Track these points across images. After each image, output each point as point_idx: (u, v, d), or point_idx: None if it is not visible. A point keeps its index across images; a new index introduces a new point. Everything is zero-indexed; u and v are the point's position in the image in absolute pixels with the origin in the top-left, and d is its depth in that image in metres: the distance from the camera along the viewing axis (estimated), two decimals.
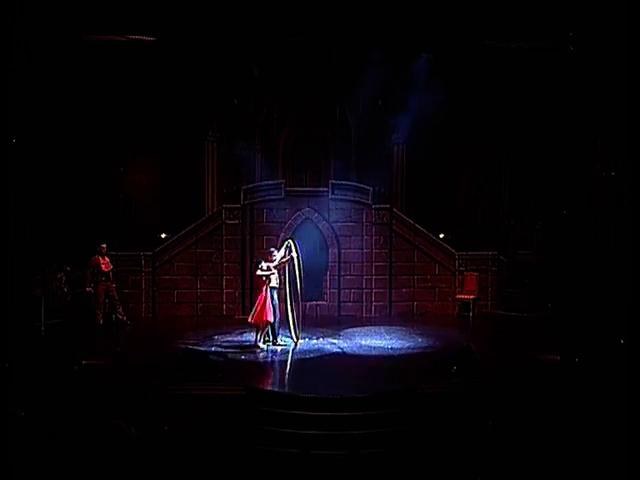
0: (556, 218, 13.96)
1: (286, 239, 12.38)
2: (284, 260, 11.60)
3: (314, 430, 8.04)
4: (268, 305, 11.26)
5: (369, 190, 15.36)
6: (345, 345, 11.80)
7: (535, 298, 14.59)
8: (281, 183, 15.44)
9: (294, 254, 11.68)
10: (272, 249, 12.06)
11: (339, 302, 15.18)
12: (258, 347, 11.33)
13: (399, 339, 12.37)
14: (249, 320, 11.46)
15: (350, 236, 15.34)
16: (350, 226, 15.35)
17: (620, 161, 10.80)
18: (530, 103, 14.69)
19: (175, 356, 9.85)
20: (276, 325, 11.64)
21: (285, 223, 15.14)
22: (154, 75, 14.71)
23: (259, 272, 11.43)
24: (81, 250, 13.71)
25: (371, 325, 13.83)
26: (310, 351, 11.21)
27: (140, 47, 13.13)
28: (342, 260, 15.19)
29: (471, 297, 14.77)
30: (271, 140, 16.71)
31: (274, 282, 11.51)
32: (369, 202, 15.32)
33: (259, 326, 11.37)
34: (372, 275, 15.30)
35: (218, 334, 12.64)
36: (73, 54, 12.54)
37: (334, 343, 11.94)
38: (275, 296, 11.53)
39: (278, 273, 11.62)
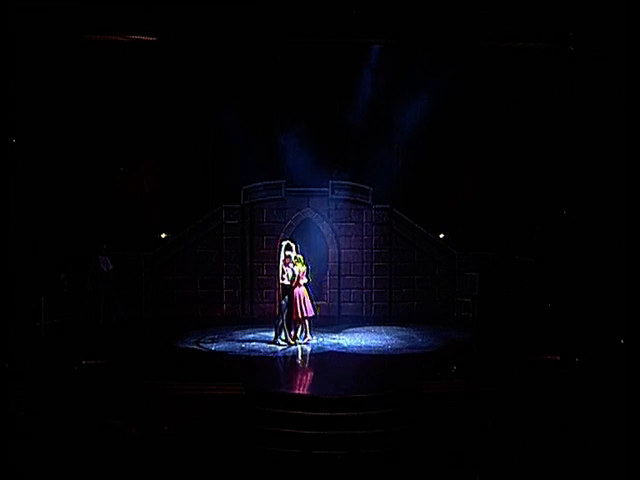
0: (556, 218, 13.94)
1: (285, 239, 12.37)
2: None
3: (314, 430, 8.05)
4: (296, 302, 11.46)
5: (369, 190, 15.37)
6: (345, 345, 11.81)
7: (535, 298, 14.58)
8: (281, 183, 15.44)
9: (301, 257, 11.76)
10: (288, 252, 11.88)
11: (339, 302, 15.19)
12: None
13: (399, 339, 12.38)
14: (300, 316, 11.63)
15: (350, 236, 15.35)
16: (350, 226, 15.36)
17: (620, 161, 10.79)
18: (530, 103, 14.69)
19: (175, 356, 9.84)
20: (280, 324, 11.68)
21: (285, 223, 15.14)
22: (154, 75, 14.70)
23: (286, 281, 11.56)
24: (81, 250, 13.72)
25: (371, 325, 13.84)
26: (310, 351, 11.21)
27: (140, 47, 13.12)
28: (342, 260, 15.20)
29: (471, 297, 14.77)
30: (271, 140, 16.68)
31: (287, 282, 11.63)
32: (369, 202, 15.33)
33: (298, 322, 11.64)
34: (372, 275, 15.31)
35: (218, 334, 12.65)
36: (73, 54, 12.54)
37: (334, 343, 11.94)
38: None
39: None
